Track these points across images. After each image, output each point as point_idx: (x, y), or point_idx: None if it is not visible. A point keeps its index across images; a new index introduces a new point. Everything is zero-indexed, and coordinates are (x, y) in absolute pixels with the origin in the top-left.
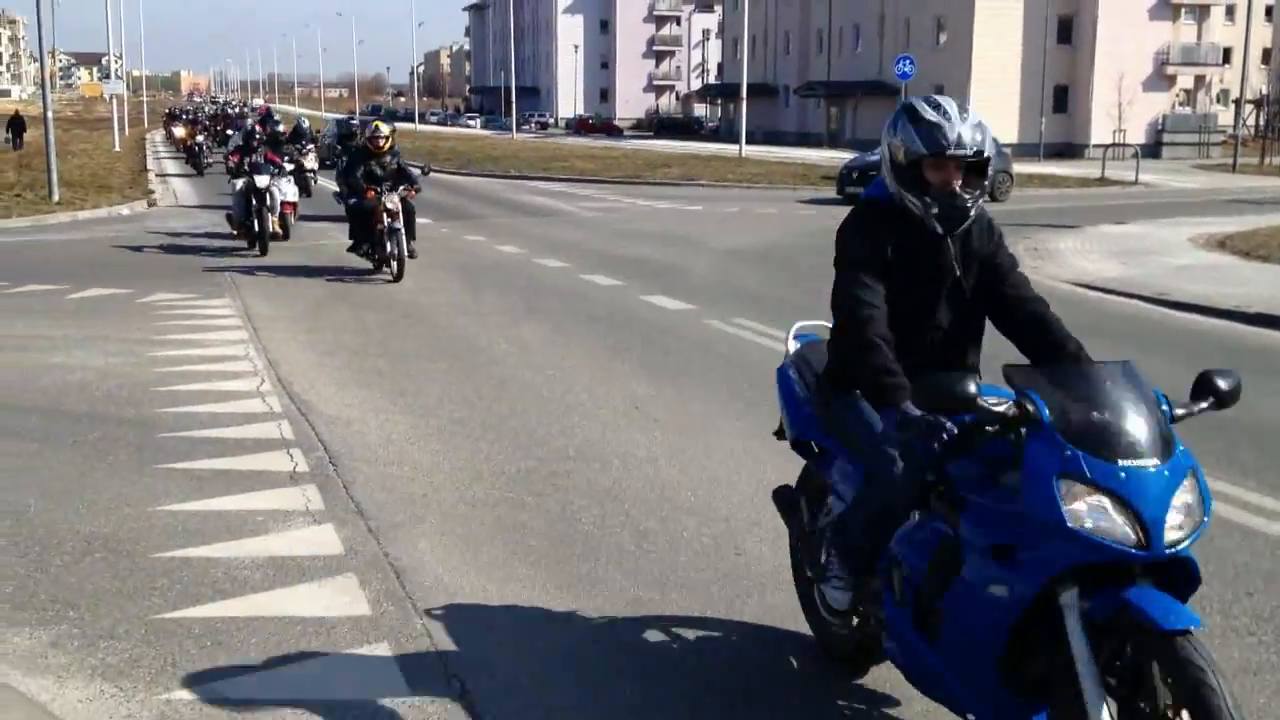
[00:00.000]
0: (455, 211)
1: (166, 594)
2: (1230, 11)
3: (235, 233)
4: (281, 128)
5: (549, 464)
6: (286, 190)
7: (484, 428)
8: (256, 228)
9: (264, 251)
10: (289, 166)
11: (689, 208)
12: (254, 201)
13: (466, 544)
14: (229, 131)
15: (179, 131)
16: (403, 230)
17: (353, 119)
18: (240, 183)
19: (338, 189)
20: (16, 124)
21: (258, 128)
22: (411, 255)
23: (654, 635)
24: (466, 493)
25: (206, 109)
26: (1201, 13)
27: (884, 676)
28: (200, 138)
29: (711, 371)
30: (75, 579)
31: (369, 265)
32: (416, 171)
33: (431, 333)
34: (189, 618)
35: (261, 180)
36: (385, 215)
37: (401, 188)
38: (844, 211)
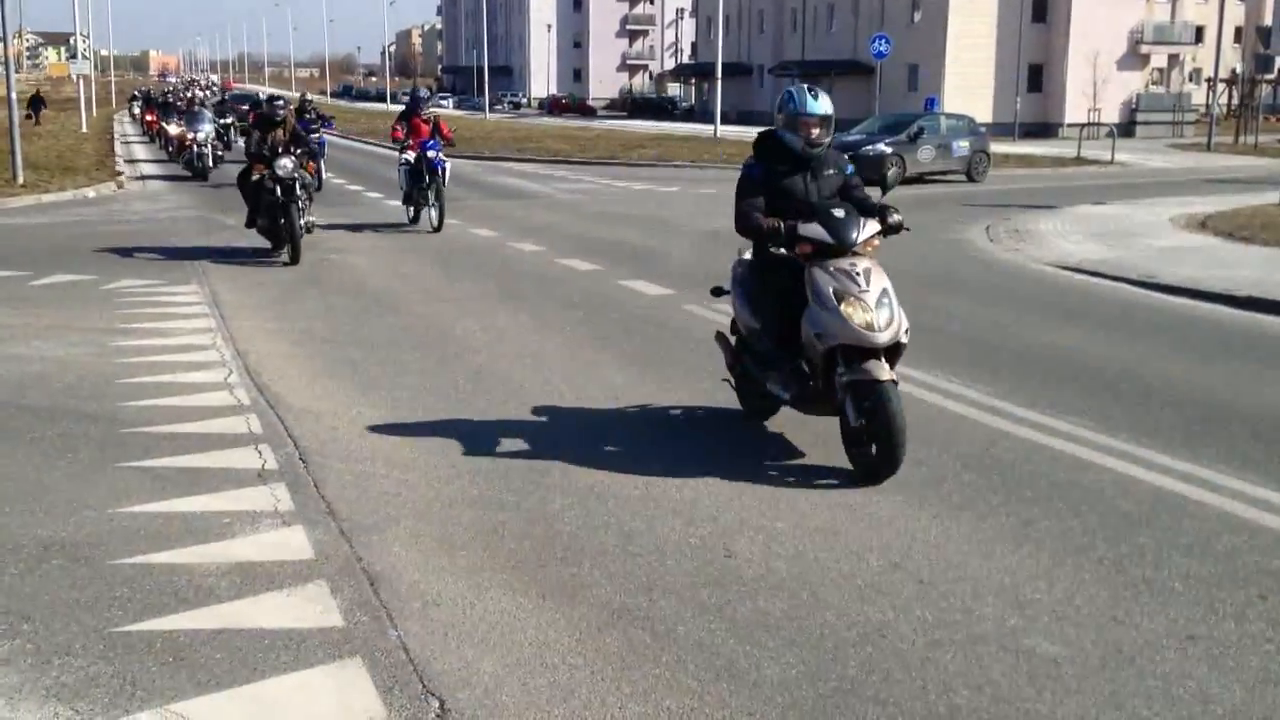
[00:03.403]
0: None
1: (127, 605)
2: None
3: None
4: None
5: (528, 460)
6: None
7: (460, 421)
8: (286, 230)
9: (295, 257)
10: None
11: (665, 189)
12: (279, 198)
13: (443, 546)
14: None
15: (173, 129)
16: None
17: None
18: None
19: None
20: (35, 102)
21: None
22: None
23: (643, 645)
24: (443, 491)
25: (182, 91)
26: None
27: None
28: (200, 134)
29: (693, 359)
30: (30, 589)
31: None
32: (318, 136)
33: (405, 321)
34: (150, 630)
35: (286, 167)
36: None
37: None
38: None
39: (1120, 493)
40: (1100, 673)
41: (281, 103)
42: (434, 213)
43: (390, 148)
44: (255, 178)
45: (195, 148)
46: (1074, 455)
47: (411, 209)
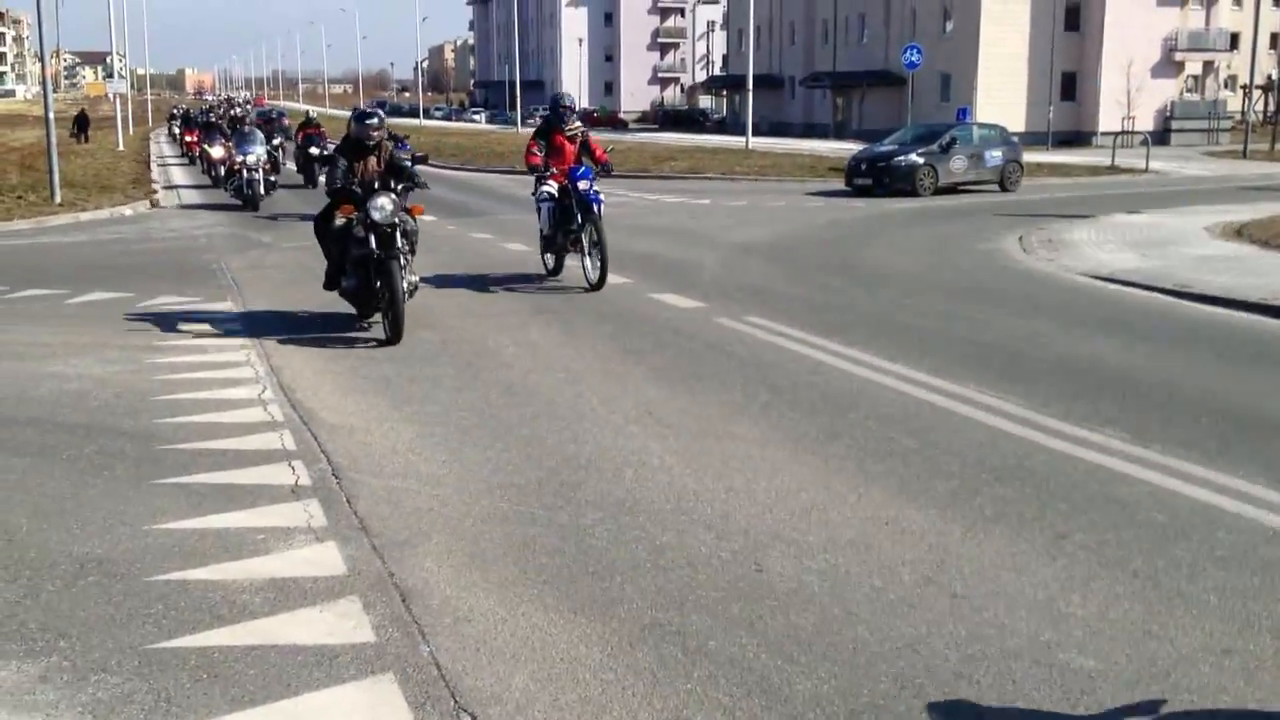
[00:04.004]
0: (461, 208)
1: (161, 621)
2: None
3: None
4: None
5: (560, 474)
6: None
7: (492, 436)
8: (384, 295)
9: (397, 332)
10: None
11: (697, 201)
12: (374, 251)
13: (475, 562)
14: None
15: (216, 152)
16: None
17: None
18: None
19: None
20: (81, 120)
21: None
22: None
23: (674, 660)
24: (474, 506)
25: (223, 109)
26: None
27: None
28: (251, 157)
29: (725, 373)
30: (67, 606)
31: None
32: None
33: (437, 335)
34: (184, 647)
35: (384, 209)
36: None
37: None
38: (854, 203)
39: (1155, 505)
40: (1135, 687)
41: (376, 120)
42: (591, 263)
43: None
44: (340, 223)
45: (245, 173)
46: (1109, 467)
47: (551, 257)
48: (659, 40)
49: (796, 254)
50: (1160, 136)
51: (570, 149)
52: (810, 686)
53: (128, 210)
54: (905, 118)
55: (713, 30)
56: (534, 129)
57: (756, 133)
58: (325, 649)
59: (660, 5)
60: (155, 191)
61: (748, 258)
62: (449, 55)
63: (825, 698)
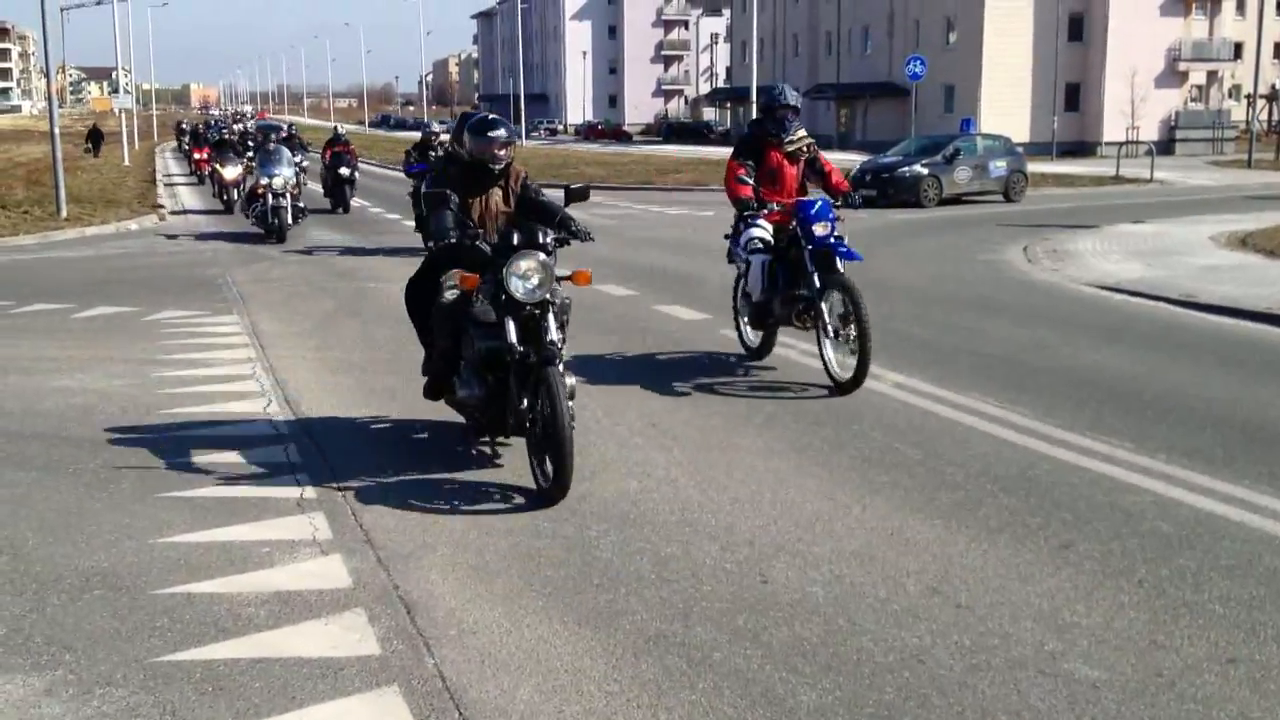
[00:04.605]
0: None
1: (166, 634)
2: (1241, 6)
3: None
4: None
5: None
6: None
7: (497, 448)
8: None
9: (562, 484)
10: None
11: (701, 213)
12: (516, 351)
13: (480, 574)
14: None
15: (230, 173)
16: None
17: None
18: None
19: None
20: (95, 135)
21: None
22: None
23: (679, 672)
24: (479, 519)
25: (229, 123)
26: (1213, 7)
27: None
28: (278, 180)
29: (729, 386)
30: (73, 619)
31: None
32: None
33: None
34: (190, 660)
35: (527, 279)
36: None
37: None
38: (858, 214)
39: (1160, 514)
40: (1140, 697)
41: (503, 133)
42: (836, 350)
43: None
44: (451, 296)
45: (270, 198)
46: (1113, 477)
47: (757, 334)
48: (662, 53)
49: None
50: (1165, 146)
51: (791, 171)
52: (815, 698)
53: (133, 225)
54: (909, 129)
55: (716, 42)
56: (736, 142)
57: None
58: (330, 661)
59: (664, 18)
60: (161, 206)
61: None
62: (453, 69)
63: (830, 709)
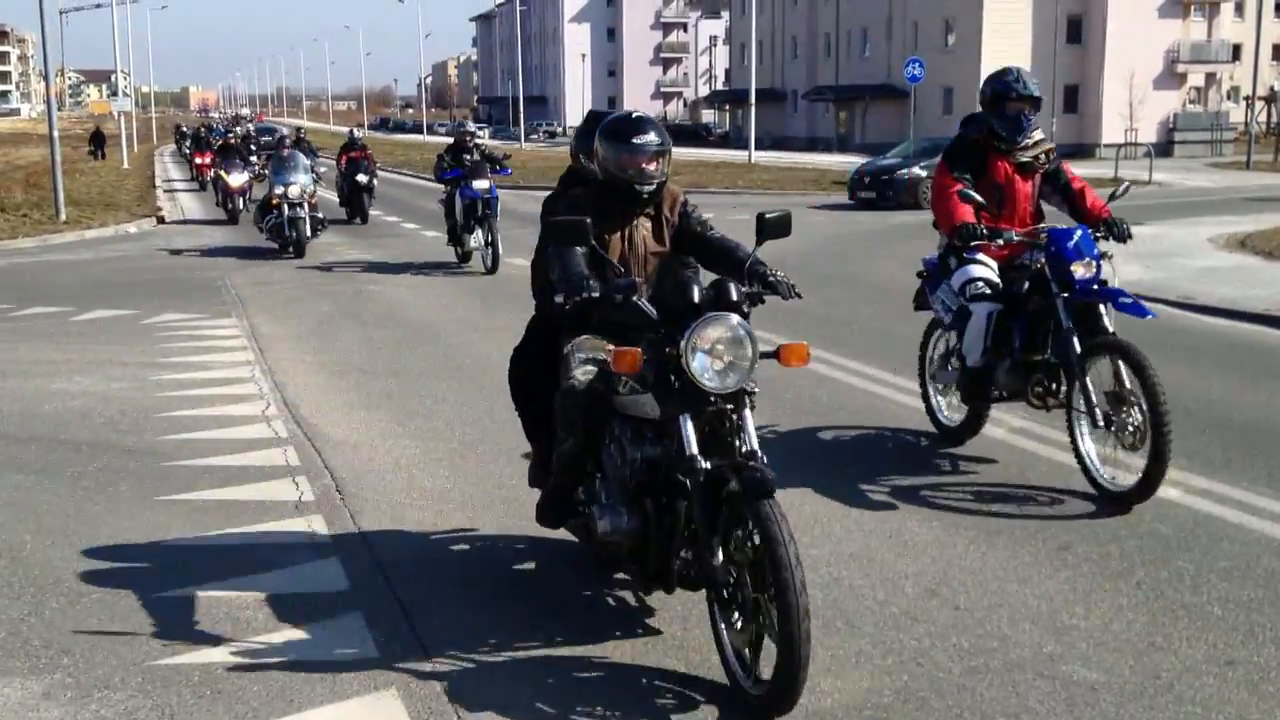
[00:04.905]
0: None
1: (165, 638)
2: (1240, 8)
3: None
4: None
5: None
6: None
7: (496, 452)
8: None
9: (789, 696)
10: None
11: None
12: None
13: (479, 578)
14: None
15: (235, 180)
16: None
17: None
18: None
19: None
20: (98, 138)
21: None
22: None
23: (677, 676)
24: (479, 521)
25: (228, 126)
26: (1211, 10)
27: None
28: (294, 188)
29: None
30: (71, 622)
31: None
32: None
33: (442, 351)
34: (188, 664)
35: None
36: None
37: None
38: (857, 216)
39: (1158, 516)
40: (1139, 699)
41: (655, 139)
42: (1095, 444)
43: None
44: (582, 378)
45: (285, 208)
46: None
47: (959, 405)
48: (661, 55)
49: (799, 267)
50: (1163, 148)
51: (1024, 188)
52: (812, 700)
53: (132, 228)
54: (908, 131)
55: (715, 45)
56: (943, 153)
57: (759, 147)
58: (329, 665)
59: (663, 20)
60: (161, 209)
61: None
62: (452, 71)
63: (828, 711)
